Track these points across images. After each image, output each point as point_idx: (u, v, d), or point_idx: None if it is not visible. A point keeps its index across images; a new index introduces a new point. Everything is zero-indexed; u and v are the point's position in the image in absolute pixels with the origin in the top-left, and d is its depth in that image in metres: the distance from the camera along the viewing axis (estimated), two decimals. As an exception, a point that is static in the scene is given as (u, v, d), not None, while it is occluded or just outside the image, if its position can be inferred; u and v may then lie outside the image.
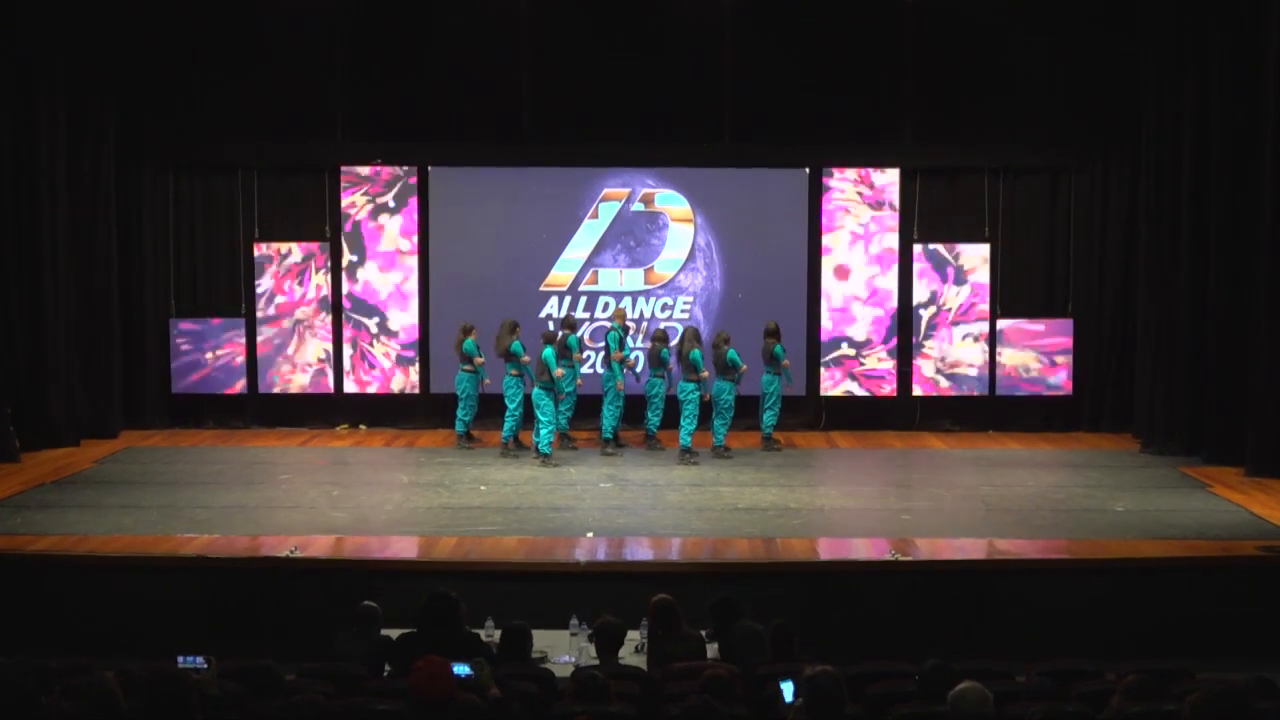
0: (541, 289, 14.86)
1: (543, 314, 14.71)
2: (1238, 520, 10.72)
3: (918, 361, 14.85)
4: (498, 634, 7.73)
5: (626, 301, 14.72)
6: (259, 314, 14.84)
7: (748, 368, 13.24)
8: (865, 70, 14.66)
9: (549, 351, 12.77)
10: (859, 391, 14.91)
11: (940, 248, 14.80)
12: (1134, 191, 14.25)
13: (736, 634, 7.23)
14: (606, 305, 14.74)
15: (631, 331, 13.89)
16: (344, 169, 14.80)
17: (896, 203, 14.77)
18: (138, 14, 14.08)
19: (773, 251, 14.86)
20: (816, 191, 14.80)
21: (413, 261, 14.86)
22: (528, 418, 13.17)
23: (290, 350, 14.88)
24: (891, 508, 11.27)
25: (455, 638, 6.86)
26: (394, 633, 7.26)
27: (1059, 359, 14.78)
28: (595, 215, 14.85)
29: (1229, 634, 9.13)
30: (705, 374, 13.05)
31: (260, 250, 14.80)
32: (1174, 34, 13.12)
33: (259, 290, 14.81)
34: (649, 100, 14.40)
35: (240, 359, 14.83)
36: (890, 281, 14.81)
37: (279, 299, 14.82)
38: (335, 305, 14.86)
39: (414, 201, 14.82)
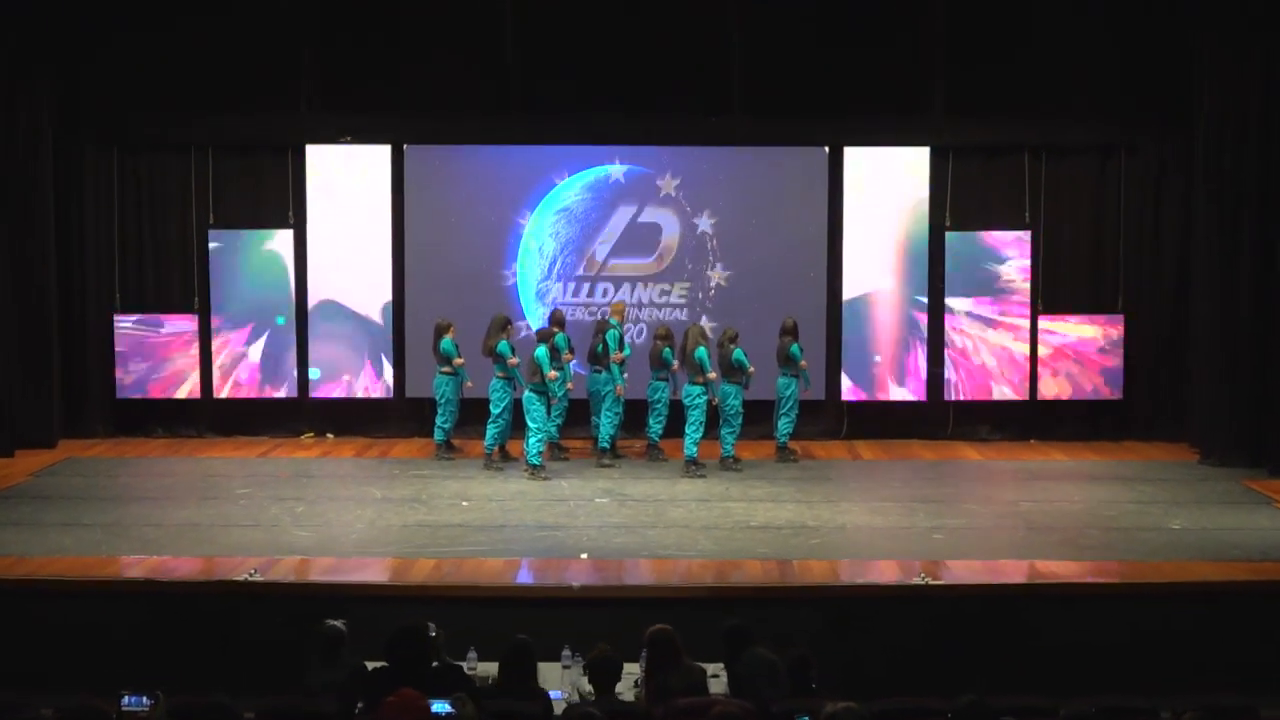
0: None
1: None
2: (1308, 540, 10.73)
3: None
4: (480, 666, 7.73)
5: (626, 289, 14.77)
6: (214, 308, 14.85)
7: (756, 370, 13.21)
8: (891, 36, 14.64)
9: (542, 350, 12.71)
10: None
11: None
12: (1191, 172, 14.24)
13: (748, 665, 7.22)
14: (606, 291, 14.79)
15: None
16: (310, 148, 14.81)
17: (925, 184, 14.79)
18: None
19: (787, 238, 14.87)
20: (837, 171, 14.80)
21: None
22: (516, 425, 13.16)
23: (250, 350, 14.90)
24: (921, 526, 11.26)
25: (433, 671, 6.85)
26: (369, 665, 7.24)
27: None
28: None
29: (1298, 667, 9.13)
30: (713, 375, 13.02)
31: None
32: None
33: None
34: (649, 70, 14.37)
35: (193, 360, 14.83)
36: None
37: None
38: (300, 299, 14.85)
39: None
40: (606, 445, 13.43)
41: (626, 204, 14.86)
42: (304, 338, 14.85)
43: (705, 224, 14.85)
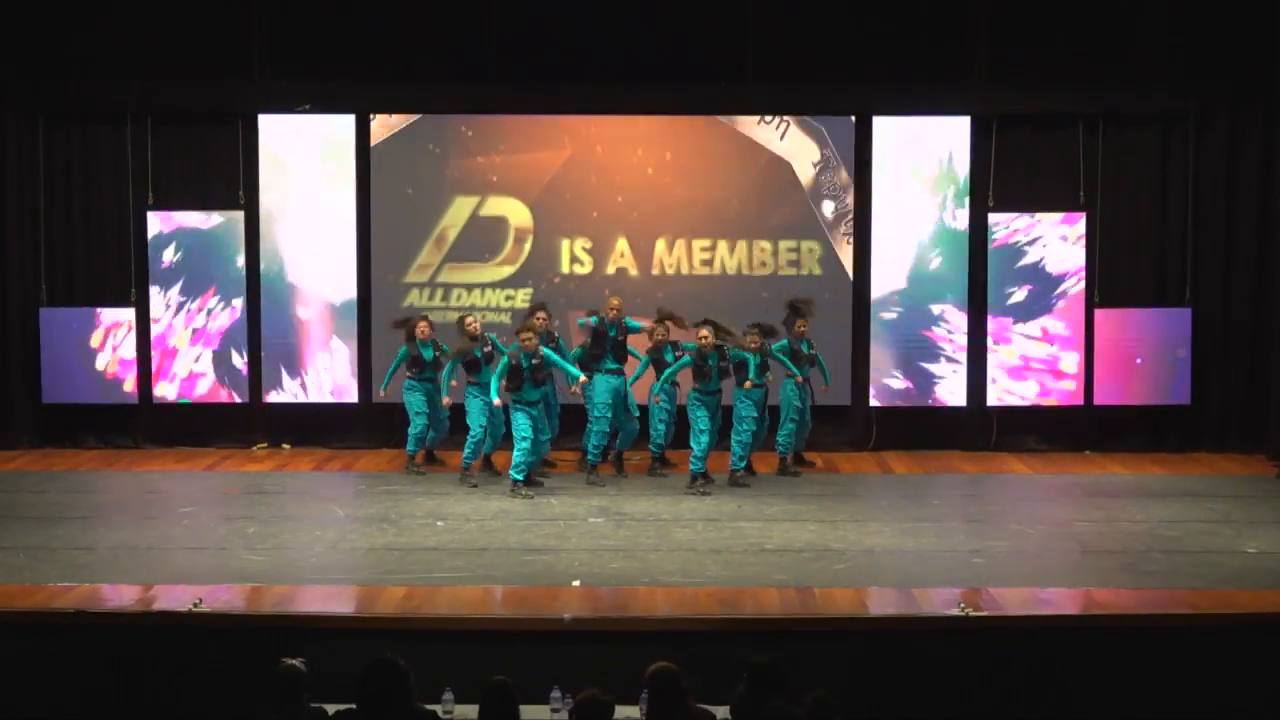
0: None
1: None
2: (1403, 565, 10.75)
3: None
4: (456, 709, 7.75)
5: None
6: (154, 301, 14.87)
7: (772, 378, 13.28)
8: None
9: (503, 364, 12.78)
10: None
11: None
12: (1271, 144, 14.26)
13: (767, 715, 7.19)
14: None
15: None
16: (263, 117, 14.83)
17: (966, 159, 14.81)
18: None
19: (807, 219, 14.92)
20: (865, 144, 14.81)
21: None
22: (505, 435, 13.19)
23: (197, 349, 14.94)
24: (961, 549, 11.29)
25: (404, 716, 6.87)
26: (330, 708, 7.27)
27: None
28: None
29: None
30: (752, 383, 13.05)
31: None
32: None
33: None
34: (651, 29, 14.41)
35: (130, 359, 14.84)
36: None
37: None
38: (251, 287, 14.87)
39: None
40: (595, 459, 13.42)
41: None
42: (256, 334, 14.87)
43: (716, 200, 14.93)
